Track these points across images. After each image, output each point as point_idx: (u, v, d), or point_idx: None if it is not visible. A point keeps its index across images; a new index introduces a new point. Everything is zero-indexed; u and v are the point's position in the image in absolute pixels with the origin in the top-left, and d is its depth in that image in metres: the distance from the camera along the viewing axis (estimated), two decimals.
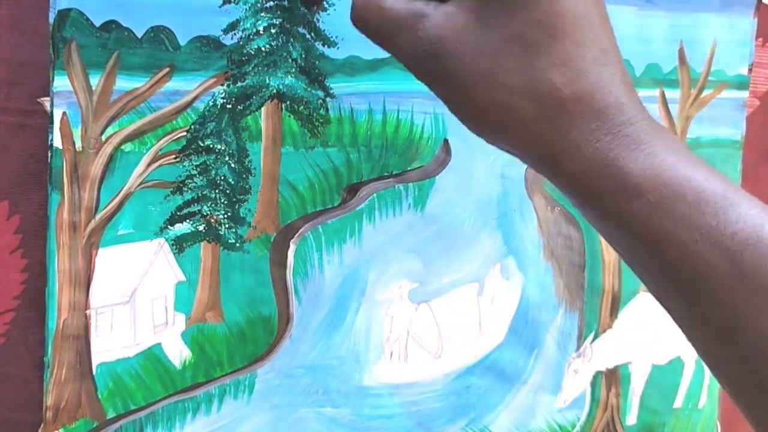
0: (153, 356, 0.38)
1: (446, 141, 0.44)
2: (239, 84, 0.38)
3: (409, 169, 0.43)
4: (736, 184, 0.27)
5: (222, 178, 0.39)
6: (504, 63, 0.26)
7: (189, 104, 0.37)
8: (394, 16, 0.28)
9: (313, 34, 0.39)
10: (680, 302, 0.27)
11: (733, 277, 0.25)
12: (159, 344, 0.38)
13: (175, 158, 0.37)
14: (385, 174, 0.43)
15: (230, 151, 0.39)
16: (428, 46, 0.27)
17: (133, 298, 0.37)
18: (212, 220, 0.39)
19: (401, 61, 0.29)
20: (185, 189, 0.38)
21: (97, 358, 0.37)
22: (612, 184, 0.26)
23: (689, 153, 0.27)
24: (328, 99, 0.40)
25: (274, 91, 0.39)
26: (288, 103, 0.39)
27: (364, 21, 0.29)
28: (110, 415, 0.37)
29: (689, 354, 0.55)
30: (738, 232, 0.25)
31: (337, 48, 0.40)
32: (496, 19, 0.27)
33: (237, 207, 0.39)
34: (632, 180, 0.26)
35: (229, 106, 0.38)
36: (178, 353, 0.39)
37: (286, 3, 0.38)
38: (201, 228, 0.38)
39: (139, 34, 0.35)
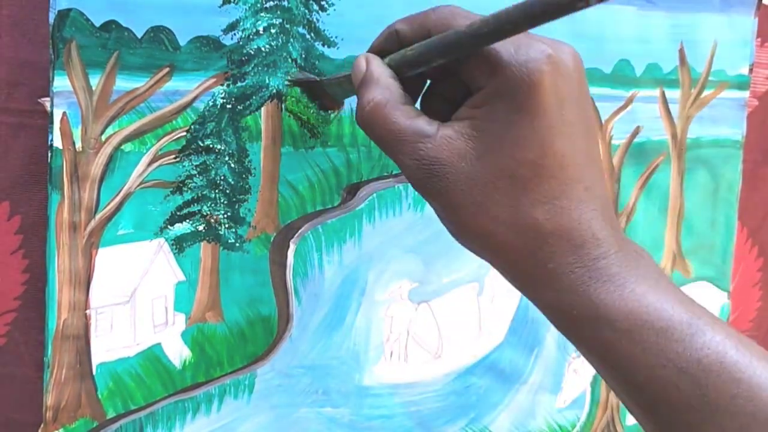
0: (153, 356, 0.38)
1: None
2: (239, 84, 0.38)
3: None
4: (702, 308, 0.29)
5: (222, 178, 0.39)
6: (493, 194, 0.28)
7: (189, 104, 0.37)
8: (397, 130, 0.30)
9: (312, 34, 0.39)
10: (650, 422, 0.29)
11: (699, 400, 0.27)
12: (159, 344, 0.38)
13: (175, 158, 0.37)
14: (385, 174, 0.43)
15: (230, 151, 0.39)
16: (427, 166, 0.29)
17: (133, 298, 0.37)
18: (212, 220, 0.39)
19: (401, 170, 0.30)
20: (185, 189, 0.38)
21: (97, 358, 0.37)
22: (585, 313, 0.28)
23: (659, 280, 0.29)
24: None
25: (274, 91, 0.39)
26: (288, 103, 0.39)
27: (369, 127, 0.31)
28: (110, 415, 0.37)
29: None
30: (703, 359, 0.27)
31: (337, 48, 0.40)
32: (490, 153, 0.28)
33: (237, 207, 0.39)
34: (603, 310, 0.27)
35: (229, 106, 0.38)
36: (178, 353, 0.39)
37: (286, 3, 0.38)
38: (201, 228, 0.38)
39: (139, 34, 0.35)
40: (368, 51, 0.33)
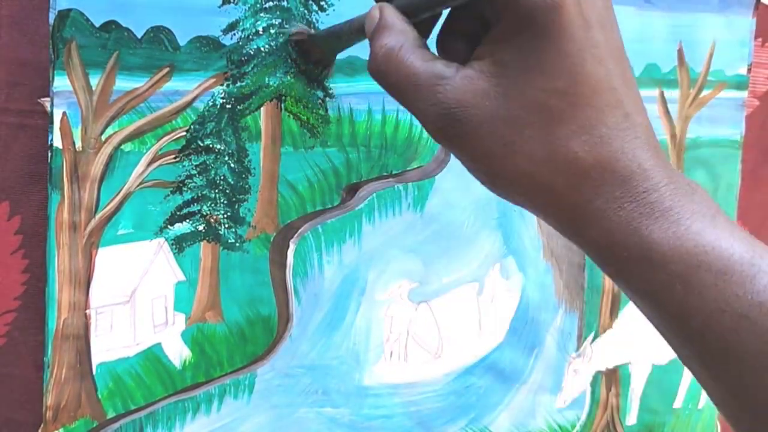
0: (153, 356, 0.38)
1: None
2: (239, 84, 0.38)
3: (408, 169, 0.43)
4: (764, 246, 0.26)
5: (222, 177, 0.39)
6: (524, 131, 0.26)
7: (189, 104, 0.37)
8: (413, 74, 0.28)
9: None
10: (705, 371, 0.27)
11: (760, 347, 0.24)
12: (159, 344, 0.38)
13: (174, 158, 0.37)
14: (385, 174, 0.43)
15: (230, 151, 0.39)
16: (447, 110, 0.27)
17: (133, 298, 0.37)
18: (212, 220, 0.39)
19: (418, 119, 0.28)
20: (185, 189, 0.38)
21: (97, 358, 0.37)
22: (636, 253, 0.25)
23: (716, 215, 0.26)
24: (327, 99, 0.41)
25: (274, 91, 0.39)
26: (287, 103, 0.40)
27: (382, 74, 0.28)
28: (110, 415, 0.37)
29: None
30: (765, 302, 0.24)
31: None
32: (515, 87, 0.26)
33: (237, 207, 0.39)
34: (656, 249, 0.25)
35: (228, 106, 0.38)
36: (178, 353, 0.39)
37: (285, 3, 0.39)
38: (201, 228, 0.38)
39: (139, 35, 0.35)
40: None
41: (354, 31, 0.32)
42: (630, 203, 0.25)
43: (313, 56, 0.39)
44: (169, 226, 0.38)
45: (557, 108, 0.26)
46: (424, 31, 0.30)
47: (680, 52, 0.51)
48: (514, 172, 0.27)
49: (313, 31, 0.38)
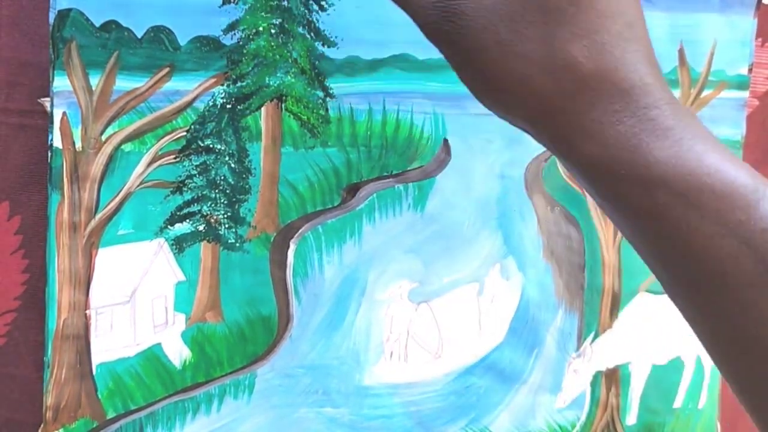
0: (153, 356, 0.38)
1: (446, 141, 0.44)
2: (239, 84, 0.38)
3: (408, 169, 0.43)
4: (765, 178, 0.25)
5: (222, 178, 0.39)
6: (522, 30, 0.24)
7: (189, 104, 0.37)
8: None
9: (312, 34, 0.39)
10: (698, 299, 0.25)
11: (759, 276, 0.23)
12: (159, 344, 0.38)
13: (175, 158, 0.37)
14: (385, 174, 0.43)
15: (230, 151, 0.39)
16: (444, 3, 0.25)
17: (133, 298, 0.37)
18: (212, 220, 0.39)
19: (411, 18, 0.26)
20: (185, 189, 0.38)
21: (97, 358, 0.37)
22: (634, 172, 0.24)
23: (717, 141, 0.25)
24: (327, 99, 0.40)
25: (274, 91, 0.39)
26: (288, 103, 0.39)
27: None
28: (110, 415, 0.37)
29: (689, 354, 0.55)
30: (767, 229, 0.23)
31: (337, 48, 0.40)
32: None
33: (237, 207, 0.39)
34: (656, 168, 0.24)
35: (229, 106, 0.38)
36: (178, 353, 0.39)
37: (285, 3, 0.38)
38: (201, 228, 0.38)
39: (139, 34, 0.35)
40: None
41: None
42: (630, 118, 0.24)
43: None
44: (169, 226, 0.38)
45: (559, 7, 0.24)
46: None
47: (681, 52, 0.50)
48: (509, 76, 0.25)
49: None
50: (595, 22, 0.24)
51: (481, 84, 0.26)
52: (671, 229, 0.24)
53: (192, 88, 0.37)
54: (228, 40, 0.37)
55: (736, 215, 0.24)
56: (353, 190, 0.42)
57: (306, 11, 0.39)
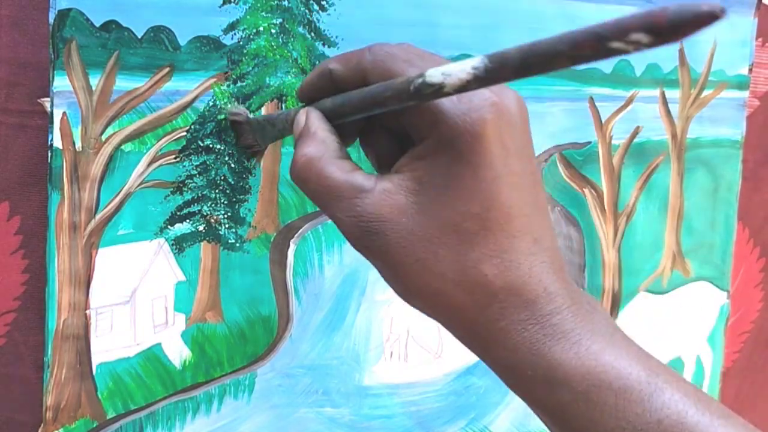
0: (153, 356, 0.38)
1: None
2: (239, 84, 0.38)
3: None
4: (660, 363, 0.28)
5: (222, 178, 0.38)
6: (438, 250, 0.27)
7: (189, 104, 0.37)
8: (333, 185, 0.28)
9: (313, 34, 0.39)
10: None
11: None
12: (159, 344, 0.38)
13: (175, 158, 0.37)
14: None
15: (230, 151, 0.39)
16: (365, 224, 0.27)
17: (133, 298, 0.37)
18: (212, 220, 0.39)
19: (338, 227, 0.29)
20: (185, 189, 0.38)
21: (97, 358, 0.37)
22: (540, 373, 0.27)
23: (614, 334, 0.27)
24: None
25: (275, 91, 0.39)
26: (288, 103, 0.39)
27: (302, 182, 0.29)
28: (110, 415, 0.37)
29: (689, 354, 0.55)
30: (663, 419, 0.26)
31: (338, 48, 0.40)
32: (433, 206, 0.27)
33: (237, 207, 0.39)
34: (559, 370, 0.26)
35: (229, 106, 0.38)
36: (178, 353, 0.39)
37: (286, 3, 0.38)
38: (201, 228, 0.38)
39: (139, 34, 0.35)
40: (301, 86, 0.32)
41: (289, 124, 0.32)
42: (534, 325, 0.26)
43: (245, 140, 0.38)
44: (169, 227, 0.38)
45: (471, 231, 0.26)
46: (350, 133, 0.31)
47: (681, 52, 0.50)
48: (426, 289, 0.27)
49: (251, 115, 0.38)
50: (504, 242, 0.26)
51: (401, 291, 0.29)
52: (577, 424, 0.26)
53: (192, 88, 0.37)
54: (228, 40, 0.37)
55: (633, 408, 0.26)
56: None
57: (306, 11, 0.39)
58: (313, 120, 0.30)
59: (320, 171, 0.28)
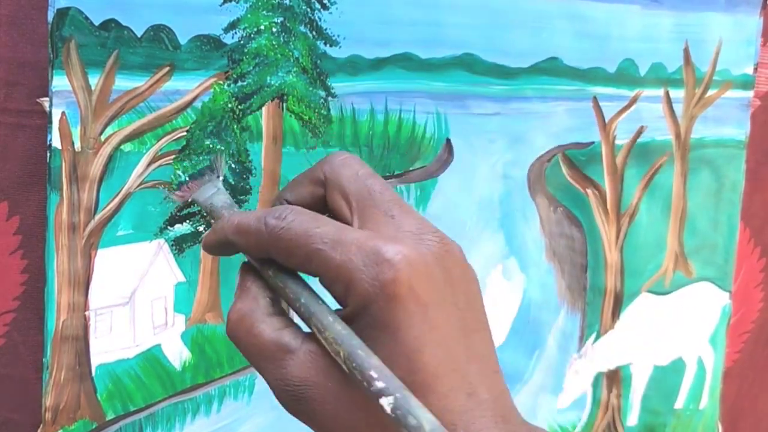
0: (152, 357, 0.38)
1: (448, 141, 0.44)
2: (240, 83, 0.38)
3: (411, 169, 0.43)
4: None
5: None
6: (365, 418, 0.25)
7: (189, 104, 0.37)
8: (260, 344, 0.27)
9: (314, 33, 0.39)
10: None
11: None
12: (159, 345, 0.38)
13: (175, 158, 0.37)
14: (387, 174, 0.42)
15: (230, 151, 0.38)
16: (291, 388, 0.26)
17: (133, 299, 0.37)
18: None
19: (269, 386, 0.27)
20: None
21: (96, 360, 0.36)
22: None
23: None
24: (329, 98, 0.40)
25: (275, 90, 0.39)
26: (289, 102, 0.39)
27: (234, 339, 0.28)
28: (109, 416, 0.37)
29: (691, 355, 0.55)
30: None
31: (339, 47, 0.40)
32: None
33: (237, 207, 0.39)
34: None
35: (229, 106, 0.38)
36: (177, 354, 0.39)
37: (287, 1, 0.38)
38: (201, 228, 0.38)
39: (139, 33, 0.35)
40: (203, 246, 0.31)
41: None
42: None
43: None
44: (169, 227, 0.37)
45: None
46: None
47: (686, 52, 0.50)
48: None
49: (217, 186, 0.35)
50: (435, 404, 0.24)
51: None
52: None
53: (192, 87, 0.37)
54: (229, 39, 0.37)
55: None
56: None
57: (308, 10, 0.39)
58: (248, 276, 0.29)
59: (249, 329, 0.27)
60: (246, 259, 0.29)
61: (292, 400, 0.26)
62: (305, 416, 0.26)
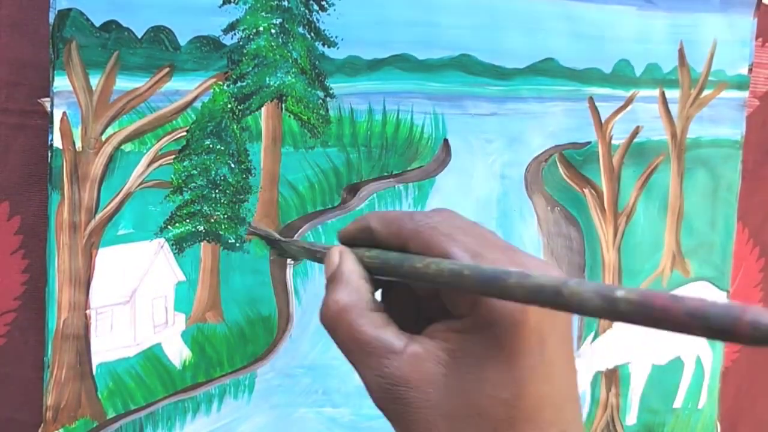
0: (153, 356, 0.38)
1: (446, 141, 0.44)
2: (239, 84, 0.38)
3: (408, 169, 0.43)
4: None
5: (222, 178, 0.39)
6: (461, 428, 0.26)
7: (189, 104, 0.37)
8: (363, 340, 0.27)
9: (313, 34, 0.39)
10: None
11: None
12: (159, 344, 0.38)
13: (175, 158, 0.37)
14: (385, 174, 0.43)
15: (230, 151, 0.39)
16: (390, 386, 0.26)
17: (133, 298, 0.37)
18: (212, 220, 0.39)
19: (363, 382, 0.27)
20: (185, 189, 0.38)
21: (97, 358, 0.37)
22: None
23: None
24: (328, 99, 0.40)
25: (275, 91, 0.39)
26: (288, 103, 0.39)
27: (332, 330, 0.28)
28: (110, 415, 0.37)
29: (689, 354, 0.55)
30: None
31: (337, 48, 0.40)
32: (462, 384, 0.26)
33: (237, 207, 0.39)
34: None
35: (229, 106, 0.38)
36: (178, 353, 0.39)
37: (286, 3, 0.38)
38: (201, 228, 0.38)
39: (139, 34, 0.35)
40: (340, 234, 0.31)
41: (316, 259, 0.32)
42: None
43: (274, 252, 0.39)
44: (169, 227, 0.38)
45: (497, 418, 0.25)
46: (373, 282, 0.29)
47: (681, 52, 0.50)
48: None
49: (277, 236, 0.38)
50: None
51: None
52: None
53: (192, 88, 0.37)
54: (228, 40, 0.37)
55: None
56: (353, 190, 0.42)
57: (306, 11, 0.39)
58: (347, 263, 0.29)
59: (351, 323, 0.27)
60: (289, 261, 0.29)
61: (388, 398, 0.26)
62: (395, 416, 0.27)
